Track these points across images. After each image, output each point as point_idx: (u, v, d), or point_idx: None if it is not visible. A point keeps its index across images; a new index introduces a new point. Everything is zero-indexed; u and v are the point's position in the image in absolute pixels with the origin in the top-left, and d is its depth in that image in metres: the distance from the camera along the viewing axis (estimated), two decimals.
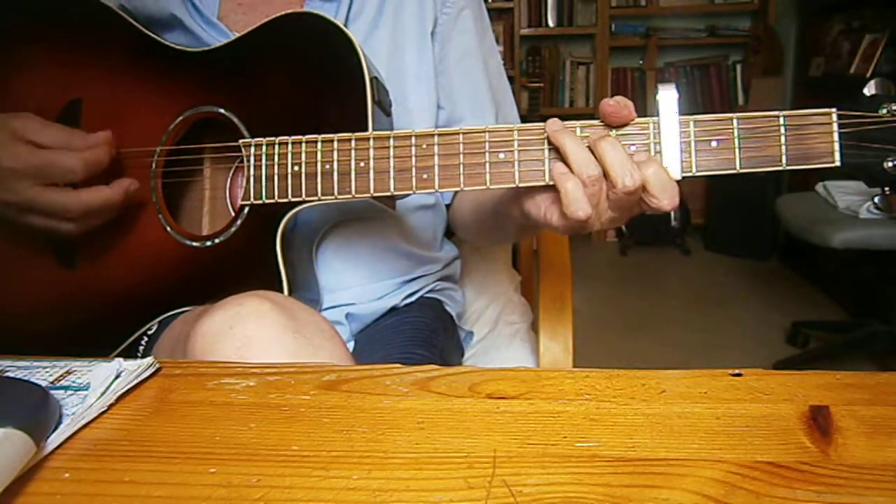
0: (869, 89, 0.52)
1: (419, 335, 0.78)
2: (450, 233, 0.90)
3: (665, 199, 0.51)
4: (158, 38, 0.71)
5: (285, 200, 0.61)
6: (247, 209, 0.64)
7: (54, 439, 0.36)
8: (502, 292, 1.05)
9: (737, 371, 0.42)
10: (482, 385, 0.42)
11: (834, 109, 0.51)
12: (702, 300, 2.68)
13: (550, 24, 3.50)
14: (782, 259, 3.05)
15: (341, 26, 0.62)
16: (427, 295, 0.86)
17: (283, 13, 0.65)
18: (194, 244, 0.66)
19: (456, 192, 0.84)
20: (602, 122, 0.53)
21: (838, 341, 2.18)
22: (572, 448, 0.35)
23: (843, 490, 0.31)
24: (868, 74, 2.52)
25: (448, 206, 0.86)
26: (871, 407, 0.38)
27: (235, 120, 0.66)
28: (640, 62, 3.53)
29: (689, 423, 0.37)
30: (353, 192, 0.58)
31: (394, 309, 0.81)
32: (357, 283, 0.78)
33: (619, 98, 0.52)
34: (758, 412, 0.38)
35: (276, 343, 0.50)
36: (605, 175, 0.51)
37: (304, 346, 0.51)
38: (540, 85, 3.29)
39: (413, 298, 0.83)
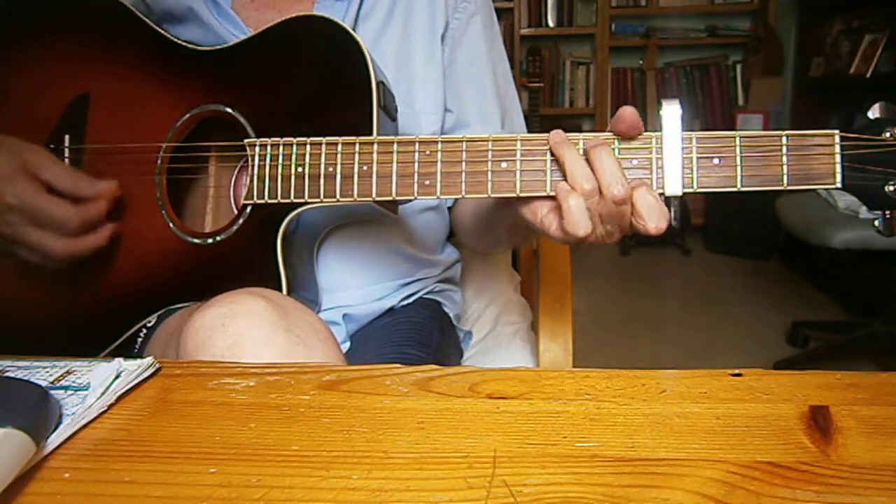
0: (873, 112, 0.51)
1: (413, 335, 0.78)
2: (451, 235, 0.90)
3: (651, 222, 0.50)
4: (169, 36, 0.71)
5: (288, 201, 0.61)
6: (249, 208, 0.64)
7: (54, 439, 0.36)
8: (502, 292, 1.05)
9: (737, 371, 0.42)
10: (482, 385, 0.42)
11: (836, 132, 0.51)
12: (702, 300, 2.68)
13: (550, 24, 3.50)
14: (782, 259, 3.05)
15: (350, 30, 0.63)
16: (425, 296, 0.86)
17: (292, 16, 0.65)
18: (196, 241, 0.67)
19: None
20: (611, 128, 0.54)
21: (838, 341, 2.18)
22: (572, 448, 0.35)
23: (843, 490, 0.31)
24: (868, 74, 2.53)
25: (450, 210, 0.86)
26: (871, 407, 0.38)
27: (241, 119, 0.66)
28: (640, 62, 3.52)
29: (689, 423, 0.37)
30: (356, 196, 0.58)
31: (390, 310, 0.81)
32: (356, 285, 0.78)
33: (635, 118, 0.52)
34: (758, 412, 0.38)
35: (269, 342, 0.50)
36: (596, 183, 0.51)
37: (296, 346, 0.51)
38: (540, 85, 3.29)
39: (411, 300, 0.83)
